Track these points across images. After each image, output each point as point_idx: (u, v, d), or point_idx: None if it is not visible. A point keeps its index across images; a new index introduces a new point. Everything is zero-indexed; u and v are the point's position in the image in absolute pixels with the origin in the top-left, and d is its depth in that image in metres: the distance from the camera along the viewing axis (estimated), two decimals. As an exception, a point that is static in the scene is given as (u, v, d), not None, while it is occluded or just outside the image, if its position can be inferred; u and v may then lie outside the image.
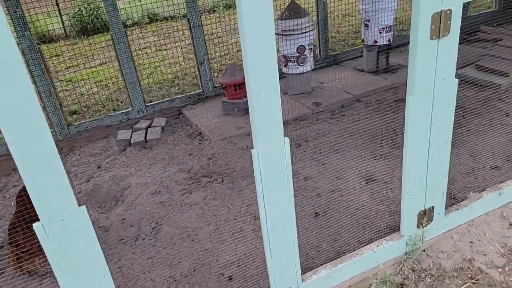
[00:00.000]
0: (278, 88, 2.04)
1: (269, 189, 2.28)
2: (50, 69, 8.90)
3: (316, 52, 6.97)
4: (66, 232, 1.86)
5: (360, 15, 6.61)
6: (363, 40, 6.50)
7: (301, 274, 2.66)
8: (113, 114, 5.82)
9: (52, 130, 5.35)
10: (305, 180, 4.04)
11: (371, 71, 6.50)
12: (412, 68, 2.42)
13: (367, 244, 2.92)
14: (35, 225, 1.80)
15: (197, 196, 4.00)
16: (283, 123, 2.12)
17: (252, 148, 2.15)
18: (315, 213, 3.64)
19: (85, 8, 11.15)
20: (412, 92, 2.46)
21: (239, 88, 5.55)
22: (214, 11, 11.88)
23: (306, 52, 5.75)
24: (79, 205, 1.85)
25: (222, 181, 4.20)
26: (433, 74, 2.46)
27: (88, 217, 1.90)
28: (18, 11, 4.80)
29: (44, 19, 8.69)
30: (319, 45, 6.97)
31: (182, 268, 3.20)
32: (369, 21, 6.21)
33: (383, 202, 3.53)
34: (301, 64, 5.82)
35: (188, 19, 5.76)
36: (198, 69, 6.10)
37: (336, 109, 5.52)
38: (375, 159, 4.20)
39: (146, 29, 11.59)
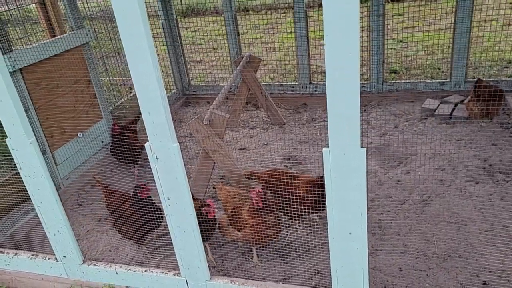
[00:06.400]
0: None
1: None
2: (388, 26, 9.40)
3: None
4: (347, 165, 2.18)
5: None
6: None
7: None
8: (429, 81, 5.77)
9: (368, 82, 5.87)
10: None
11: None
12: None
13: None
14: (324, 150, 2.21)
15: (482, 189, 3.66)
16: None
17: None
18: None
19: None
20: None
21: None
22: None
23: None
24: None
25: (521, 185, 3.64)
26: None
27: (365, 160, 2.14)
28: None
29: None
30: None
31: (436, 248, 3.14)
32: None
33: None
34: None
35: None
36: (547, 53, 5.11)
37: None
38: None
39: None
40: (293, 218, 3.36)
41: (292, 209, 3.17)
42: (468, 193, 3.64)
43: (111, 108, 5.14)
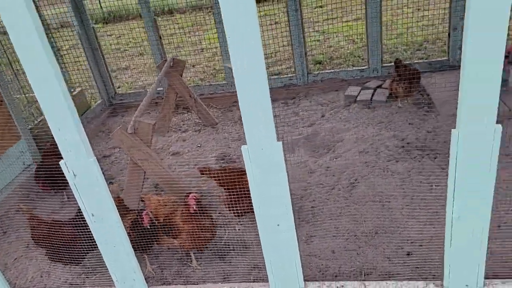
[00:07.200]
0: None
1: (464, 175, 2.10)
2: (311, 19, 9.68)
3: None
4: (265, 160, 2.23)
5: None
6: None
7: (484, 278, 2.39)
8: (349, 69, 6.06)
9: (294, 75, 6.04)
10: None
11: None
12: None
13: None
14: (243, 147, 2.25)
15: (402, 166, 3.92)
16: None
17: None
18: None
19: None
20: None
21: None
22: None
23: None
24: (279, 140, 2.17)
25: (435, 158, 3.94)
26: None
27: (282, 154, 2.22)
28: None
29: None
30: None
31: (365, 227, 3.32)
32: None
33: None
34: None
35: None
36: (449, 35, 5.56)
37: None
38: None
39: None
40: (242, 214, 3.40)
41: (244, 205, 3.19)
42: (390, 171, 3.88)
43: (29, 126, 4.85)
